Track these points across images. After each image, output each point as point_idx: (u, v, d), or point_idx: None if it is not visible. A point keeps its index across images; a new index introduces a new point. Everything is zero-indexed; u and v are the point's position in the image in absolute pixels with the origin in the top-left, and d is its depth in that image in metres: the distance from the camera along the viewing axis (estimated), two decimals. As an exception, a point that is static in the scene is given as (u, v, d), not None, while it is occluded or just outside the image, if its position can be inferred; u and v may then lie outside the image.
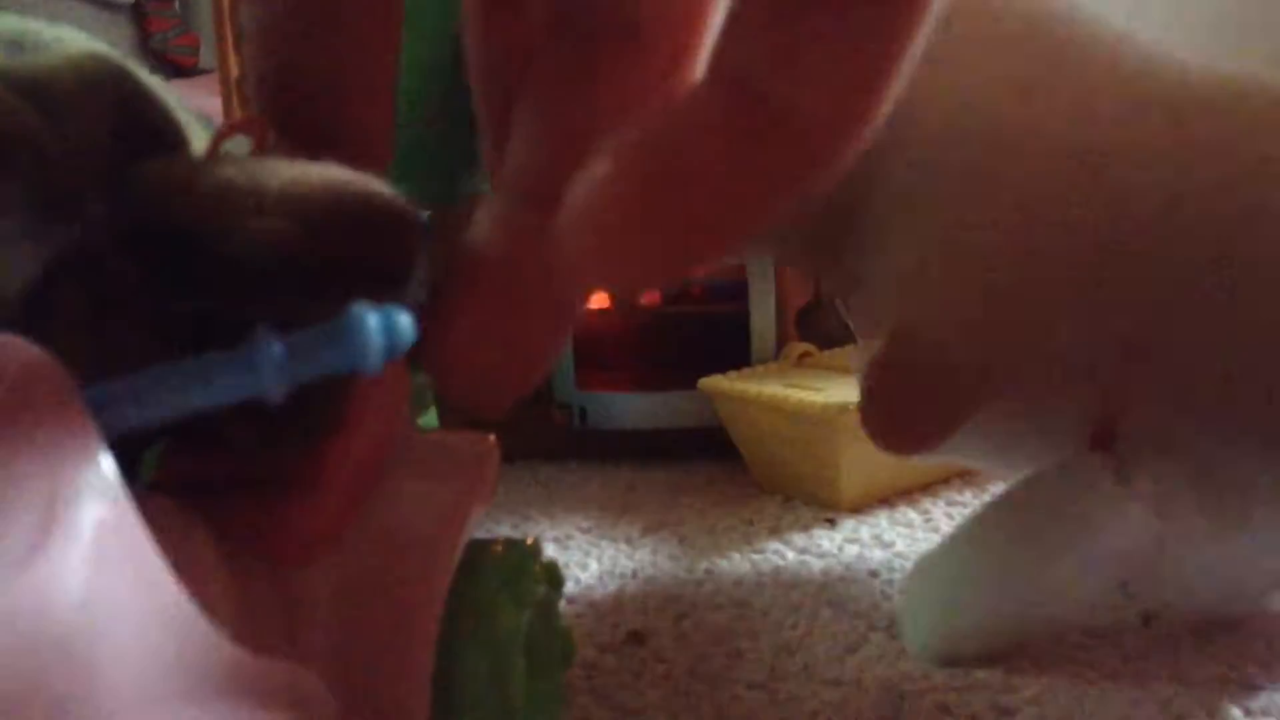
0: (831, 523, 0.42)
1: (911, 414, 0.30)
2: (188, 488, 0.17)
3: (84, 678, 0.12)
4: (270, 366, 0.14)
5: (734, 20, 0.13)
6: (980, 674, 0.30)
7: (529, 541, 0.24)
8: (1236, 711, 0.28)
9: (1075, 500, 0.30)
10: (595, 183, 0.13)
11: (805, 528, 0.41)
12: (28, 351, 0.13)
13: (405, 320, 0.14)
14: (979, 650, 0.31)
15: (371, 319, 0.14)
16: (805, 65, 0.13)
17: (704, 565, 0.38)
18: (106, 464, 0.13)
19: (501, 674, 0.22)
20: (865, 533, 0.41)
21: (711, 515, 0.43)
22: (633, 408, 0.50)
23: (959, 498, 0.43)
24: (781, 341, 0.49)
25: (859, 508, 0.43)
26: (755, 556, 0.39)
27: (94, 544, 0.13)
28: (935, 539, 0.40)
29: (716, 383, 0.46)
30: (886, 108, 0.13)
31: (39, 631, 0.12)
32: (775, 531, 0.41)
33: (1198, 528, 0.29)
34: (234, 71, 0.54)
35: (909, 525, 0.41)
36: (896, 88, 0.13)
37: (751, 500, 0.45)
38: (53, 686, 0.12)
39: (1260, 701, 0.28)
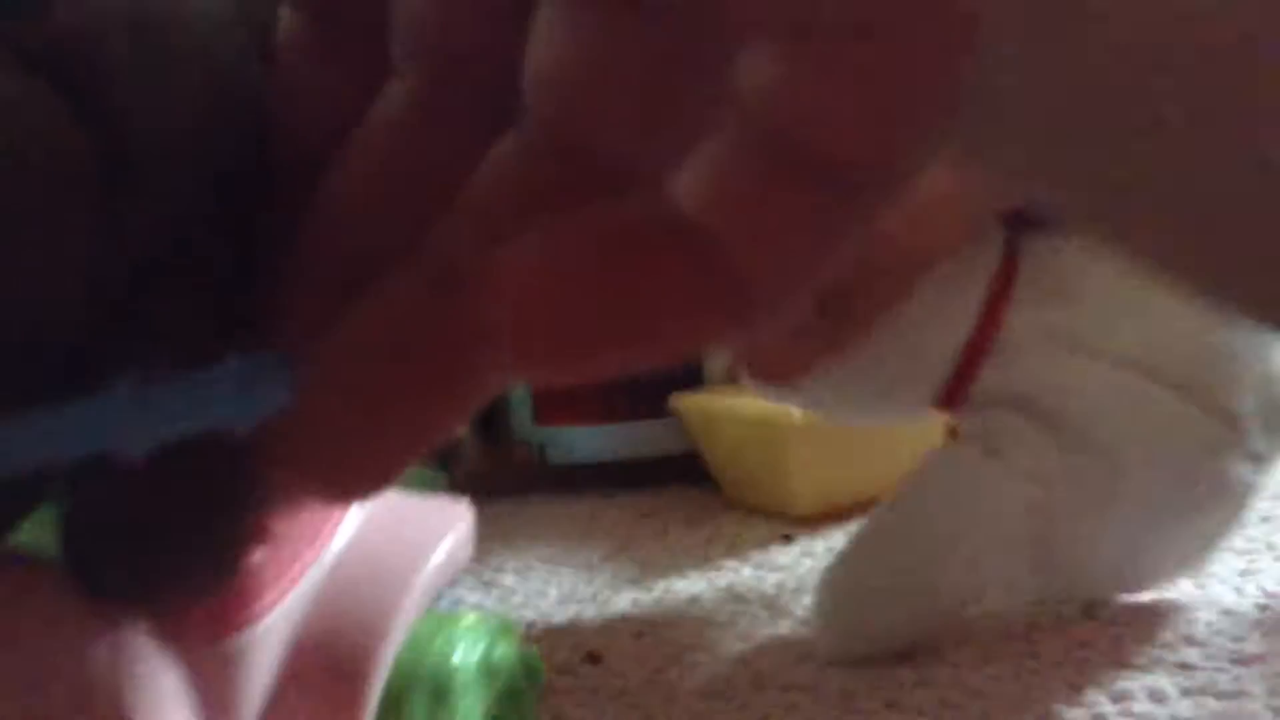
0: (788, 538, 0.42)
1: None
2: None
3: None
4: (123, 415, 0.13)
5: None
6: (930, 672, 0.31)
7: (501, 623, 0.23)
8: (1174, 690, 0.28)
9: (957, 491, 0.32)
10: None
11: (762, 544, 0.42)
12: None
13: (279, 371, 0.13)
14: (889, 648, 0.31)
15: (238, 367, 0.13)
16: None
17: (661, 584, 0.39)
18: None
19: None
20: (820, 546, 0.41)
21: (670, 537, 0.44)
22: (592, 440, 0.50)
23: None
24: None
25: (818, 519, 0.43)
26: (712, 573, 0.40)
27: None
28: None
29: (686, 400, 0.48)
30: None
31: None
32: (732, 549, 0.42)
33: (1075, 500, 0.31)
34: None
35: (863, 536, 0.42)
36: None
37: (710, 520, 0.45)
38: None
39: (1198, 680, 0.29)
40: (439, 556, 0.21)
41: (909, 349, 0.32)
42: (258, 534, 0.15)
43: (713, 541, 0.43)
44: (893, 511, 0.33)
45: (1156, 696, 0.28)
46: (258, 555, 0.18)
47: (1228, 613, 0.32)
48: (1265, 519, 0.39)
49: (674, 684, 0.31)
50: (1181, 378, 0.31)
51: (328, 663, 0.19)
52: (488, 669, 0.23)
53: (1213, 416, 0.30)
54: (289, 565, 0.19)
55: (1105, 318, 0.31)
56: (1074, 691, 0.29)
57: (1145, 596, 0.33)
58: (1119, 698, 0.28)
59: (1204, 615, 0.32)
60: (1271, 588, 0.34)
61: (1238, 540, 0.36)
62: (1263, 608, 0.33)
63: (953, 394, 0.32)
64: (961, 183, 0.28)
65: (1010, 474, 0.31)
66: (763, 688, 0.31)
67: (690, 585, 0.39)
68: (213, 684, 0.18)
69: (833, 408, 0.35)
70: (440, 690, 0.21)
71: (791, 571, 0.39)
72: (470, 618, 0.23)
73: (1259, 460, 0.31)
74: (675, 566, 0.41)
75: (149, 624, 0.15)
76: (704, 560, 0.41)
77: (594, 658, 0.33)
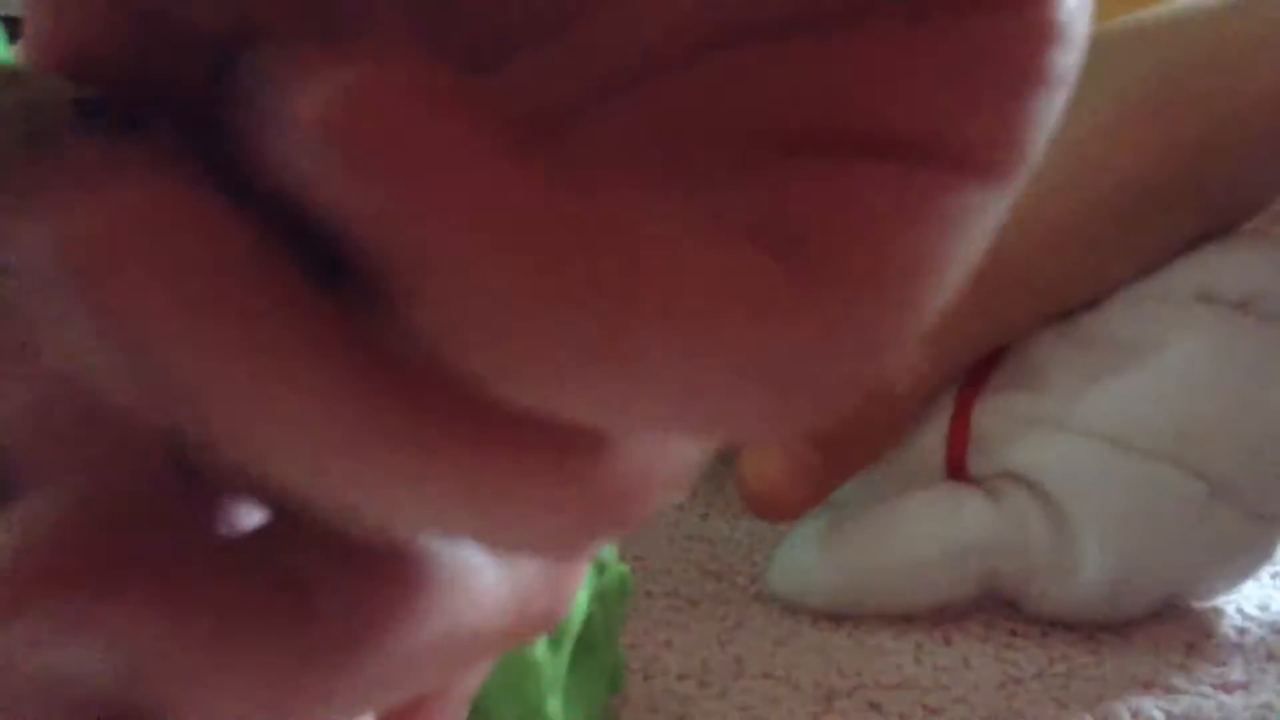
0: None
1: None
2: None
3: None
4: None
5: None
6: (910, 672, 0.30)
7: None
8: (1160, 715, 0.28)
9: (939, 499, 0.34)
10: None
11: (734, 516, 0.41)
12: None
13: None
14: (825, 608, 0.34)
15: None
16: None
17: (634, 552, 0.38)
18: None
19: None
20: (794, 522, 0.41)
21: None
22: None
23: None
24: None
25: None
26: (685, 543, 0.39)
27: None
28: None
29: None
30: None
31: None
32: (705, 519, 0.41)
33: (1035, 522, 0.33)
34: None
35: (837, 516, 0.41)
36: None
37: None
38: None
39: (1181, 705, 0.29)
40: None
41: (901, 451, 0.35)
42: None
43: (685, 509, 0.42)
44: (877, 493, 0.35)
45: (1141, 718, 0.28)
46: None
47: (1208, 635, 0.32)
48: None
49: (649, 664, 0.31)
50: (1151, 443, 0.32)
51: None
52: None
53: (1191, 476, 0.32)
54: None
55: (1073, 395, 0.33)
56: (1059, 708, 0.29)
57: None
58: (1105, 718, 0.28)
59: (1184, 636, 0.32)
60: (1250, 610, 0.34)
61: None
62: (1241, 631, 0.33)
63: (954, 476, 0.35)
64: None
65: (997, 510, 0.33)
66: (742, 674, 0.30)
67: (664, 557, 0.38)
68: None
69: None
70: None
71: (764, 547, 0.38)
72: None
73: (1267, 516, 0.32)
74: (649, 535, 0.40)
75: None
76: (674, 530, 0.40)
77: (567, 627, 0.33)
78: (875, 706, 0.29)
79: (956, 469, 0.34)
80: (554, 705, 0.22)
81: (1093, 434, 0.32)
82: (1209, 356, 0.32)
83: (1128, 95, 0.33)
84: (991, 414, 0.34)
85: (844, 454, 0.34)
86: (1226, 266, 0.34)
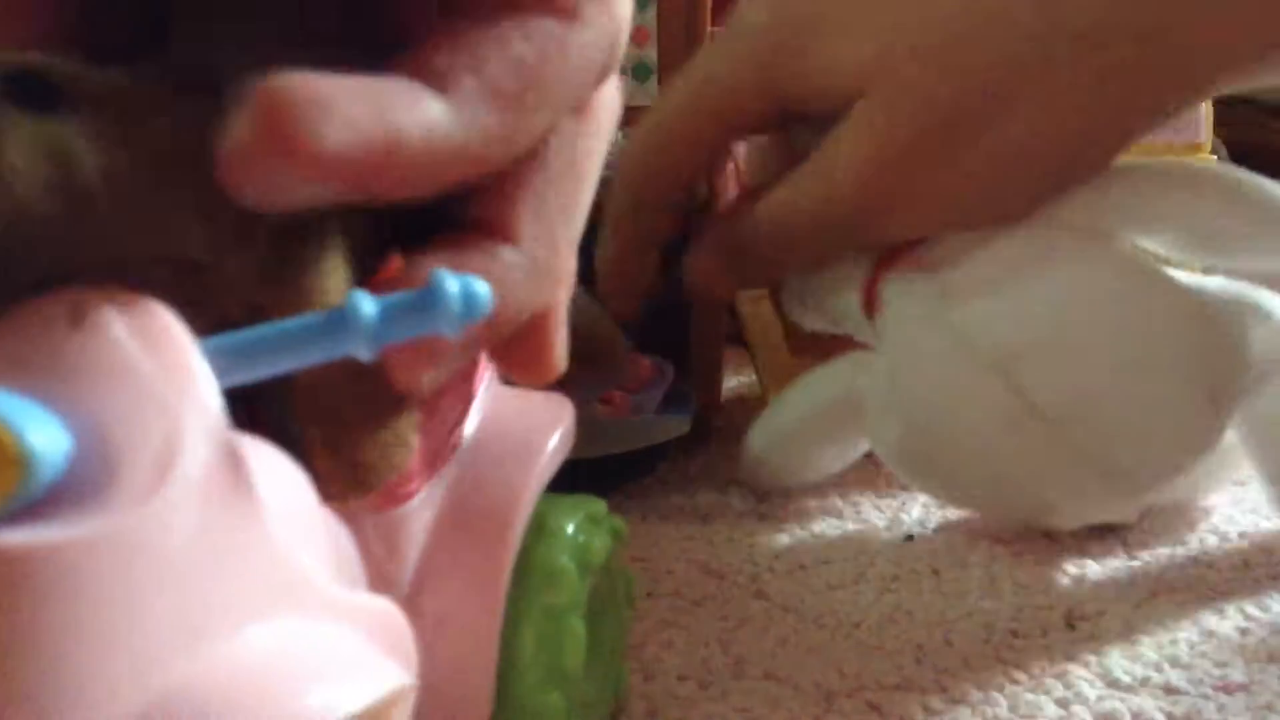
0: (761, 516, 0.42)
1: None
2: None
3: (191, 607, 0.14)
4: (364, 327, 0.15)
5: None
6: (910, 673, 0.30)
7: (597, 504, 0.26)
8: (1160, 716, 0.28)
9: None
10: None
11: (736, 516, 0.41)
12: (150, 304, 0.15)
13: (483, 288, 0.16)
14: (773, 474, 0.42)
15: (453, 286, 0.15)
16: None
17: (635, 553, 0.38)
18: (216, 410, 0.14)
19: (560, 641, 0.23)
20: (793, 522, 0.41)
21: (644, 504, 0.43)
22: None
23: (888, 490, 0.43)
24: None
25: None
26: (686, 544, 0.39)
27: (203, 484, 0.14)
28: (862, 530, 0.40)
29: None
30: None
31: (152, 568, 0.13)
32: (705, 519, 0.41)
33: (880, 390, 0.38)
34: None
35: (838, 516, 0.41)
36: None
37: (684, 489, 0.44)
38: (162, 616, 0.13)
39: (1182, 706, 0.29)
40: (554, 442, 0.24)
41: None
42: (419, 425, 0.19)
43: (685, 510, 0.42)
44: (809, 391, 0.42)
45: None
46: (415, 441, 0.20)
47: (1210, 634, 0.32)
48: (1242, 535, 0.39)
49: (650, 664, 0.31)
50: (998, 359, 0.34)
51: (470, 537, 0.22)
52: (584, 549, 0.25)
53: (1011, 394, 0.34)
54: (436, 448, 0.23)
55: (956, 296, 0.36)
56: (1060, 708, 0.29)
57: (1126, 609, 0.33)
58: (1105, 718, 0.28)
59: (1185, 635, 0.32)
60: (1251, 610, 0.34)
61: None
62: (1243, 631, 0.32)
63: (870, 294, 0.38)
64: None
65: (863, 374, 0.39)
66: (742, 675, 0.30)
67: (664, 555, 0.38)
68: (375, 551, 0.21)
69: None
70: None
71: (768, 548, 0.38)
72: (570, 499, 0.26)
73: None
74: (649, 534, 0.40)
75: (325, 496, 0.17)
76: (674, 530, 0.40)
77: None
78: (875, 707, 0.29)
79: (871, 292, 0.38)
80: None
81: (955, 337, 0.35)
82: (1078, 290, 0.34)
83: None
84: (893, 285, 0.37)
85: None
86: (1129, 201, 0.35)
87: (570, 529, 0.24)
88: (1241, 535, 0.39)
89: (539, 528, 0.24)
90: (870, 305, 0.38)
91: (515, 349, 0.20)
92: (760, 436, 0.42)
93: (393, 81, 0.16)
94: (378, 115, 0.15)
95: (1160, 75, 0.34)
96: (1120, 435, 0.34)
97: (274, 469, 0.15)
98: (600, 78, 0.19)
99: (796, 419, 0.41)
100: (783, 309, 0.44)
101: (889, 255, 0.38)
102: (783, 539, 0.39)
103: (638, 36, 0.46)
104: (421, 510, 0.22)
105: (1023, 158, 0.34)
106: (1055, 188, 0.35)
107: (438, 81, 0.16)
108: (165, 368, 0.14)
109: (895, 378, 0.37)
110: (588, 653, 0.24)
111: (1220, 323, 0.34)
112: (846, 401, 0.40)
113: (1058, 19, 0.33)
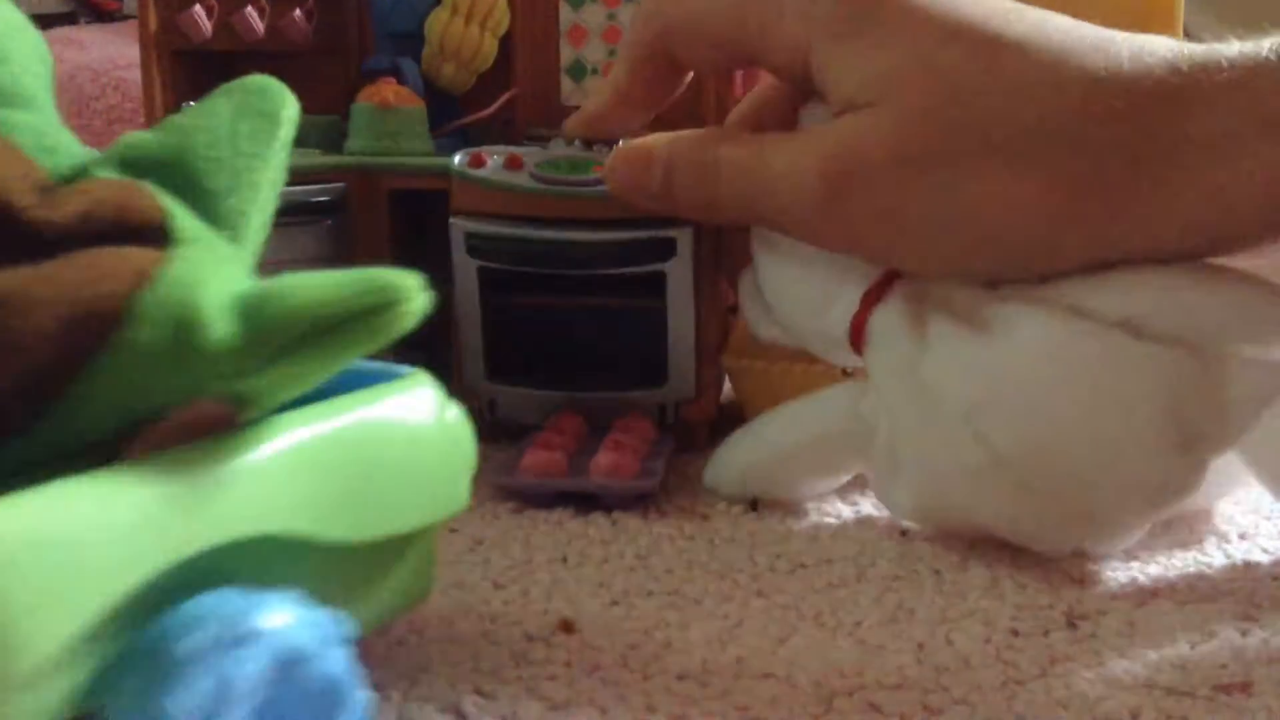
0: (754, 508, 0.42)
1: None
2: None
3: None
4: None
5: None
6: (910, 673, 0.30)
7: None
8: (1160, 716, 0.28)
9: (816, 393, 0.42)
10: None
11: (736, 516, 0.41)
12: None
13: None
14: (735, 495, 0.43)
15: None
16: None
17: (633, 550, 0.38)
18: None
19: None
20: (793, 521, 0.41)
21: (644, 504, 0.43)
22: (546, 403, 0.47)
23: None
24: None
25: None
26: (684, 543, 0.39)
27: None
28: (862, 530, 0.40)
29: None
30: None
31: None
32: (706, 518, 0.41)
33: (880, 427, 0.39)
34: (152, 26, 0.52)
35: (838, 516, 0.41)
36: None
37: (684, 489, 0.44)
38: None
39: (1182, 706, 0.29)
40: None
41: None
42: None
43: (684, 509, 0.42)
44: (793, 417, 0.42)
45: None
46: None
47: (1210, 634, 0.32)
48: (1242, 535, 0.39)
49: (649, 664, 0.31)
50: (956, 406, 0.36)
51: None
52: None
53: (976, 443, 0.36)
54: None
55: (933, 346, 0.37)
56: (1060, 708, 0.29)
57: (1124, 609, 0.33)
58: (1105, 718, 0.28)
59: (1186, 637, 0.32)
60: (1251, 610, 0.34)
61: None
62: (1244, 631, 0.32)
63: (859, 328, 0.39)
64: None
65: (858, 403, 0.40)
66: (742, 674, 0.30)
67: (663, 554, 0.38)
68: None
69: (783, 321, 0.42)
70: None
71: (764, 547, 0.38)
72: None
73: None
74: (646, 531, 0.40)
75: None
76: (673, 529, 0.40)
77: (567, 626, 0.33)
78: (875, 707, 0.29)
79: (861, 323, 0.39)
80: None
81: (927, 386, 0.37)
82: (1036, 343, 0.35)
83: None
84: (880, 318, 0.38)
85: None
86: (1105, 286, 0.35)
87: None
88: (1242, 535, 0.39)
89: None
90: (858, 339, 0.39)
91: None
92: (743, 454, 0.42)
93: None
94: None
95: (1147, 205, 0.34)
96: (1087, 483, 0.34)
97: None
98: None
99: (791, 445, 0.41)
100: (740, 313, 0.45)
101: (875, 289, 0.38)
102: (783, 539, 0.39)
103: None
104: None
105: (991, 221, 0.35)
106: (1020, 265, 0.36)
107: None
108: None
109: (889, 415, 0.38)
110: None
111: (1186, 369, 0.34)
112: (844, 434, 0.40)
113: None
